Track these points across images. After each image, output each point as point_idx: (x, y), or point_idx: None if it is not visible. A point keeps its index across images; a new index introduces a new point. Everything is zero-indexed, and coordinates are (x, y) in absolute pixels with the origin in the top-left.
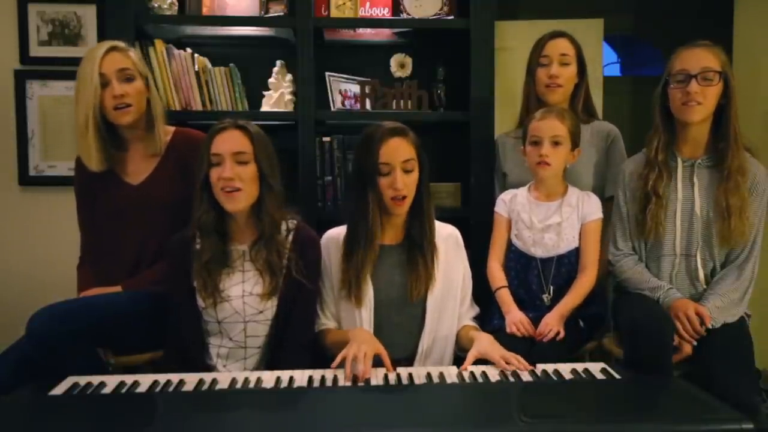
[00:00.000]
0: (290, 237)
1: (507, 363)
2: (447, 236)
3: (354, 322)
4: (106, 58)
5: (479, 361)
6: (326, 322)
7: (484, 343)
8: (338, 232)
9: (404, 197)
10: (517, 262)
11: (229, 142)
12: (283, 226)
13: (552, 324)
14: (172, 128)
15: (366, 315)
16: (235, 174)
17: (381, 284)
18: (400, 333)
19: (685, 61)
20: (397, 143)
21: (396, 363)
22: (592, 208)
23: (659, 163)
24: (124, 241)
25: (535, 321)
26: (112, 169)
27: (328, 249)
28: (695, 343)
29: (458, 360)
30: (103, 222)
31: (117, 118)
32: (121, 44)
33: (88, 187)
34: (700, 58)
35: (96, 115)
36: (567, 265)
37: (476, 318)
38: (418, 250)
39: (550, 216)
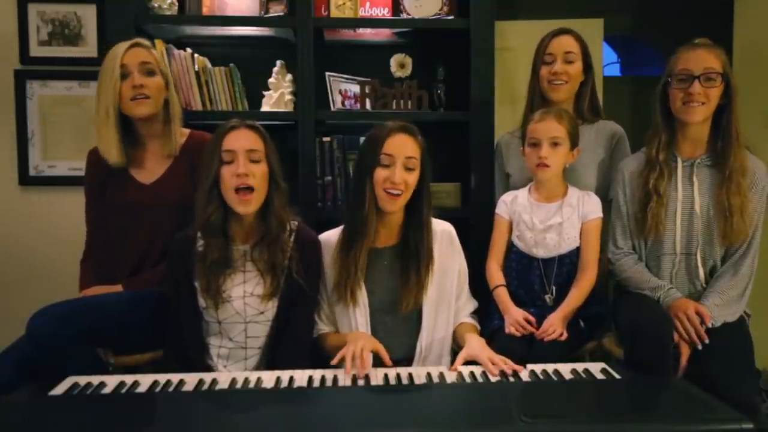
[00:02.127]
0: (292, 238)
1: (494, 365)
2: (441, 233)
3: (349, 325)
4: (129, 51)
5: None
6: (323, 326)
7: (474, 345)
8: (331, 235)
9: (399, 193)
10: (519, 262)
11: (243, 139)
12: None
13: (555, 325)
14: (187, 130)
15: (361, 319)
16: (249, 171)
17: (374, 288)
18: (397, 336)
19: (687, 61)
20: (405, 139)
21: (395, 364)
22: (591, 207)
23: (660, 163)
24: (130, 239)
25: (537, 320)
26: (126, 167)
27: (323, 252)
28: (700, 345)
29: (456, 357)
30: (111, 218)
31: (132, 109)
32: (145, 42)
33: (99, 182)
34: (702, 58)
35: (116, 108)
36: (568, 264)
37: (475, 312)
38: (412, 257)
39: (551, 216)
